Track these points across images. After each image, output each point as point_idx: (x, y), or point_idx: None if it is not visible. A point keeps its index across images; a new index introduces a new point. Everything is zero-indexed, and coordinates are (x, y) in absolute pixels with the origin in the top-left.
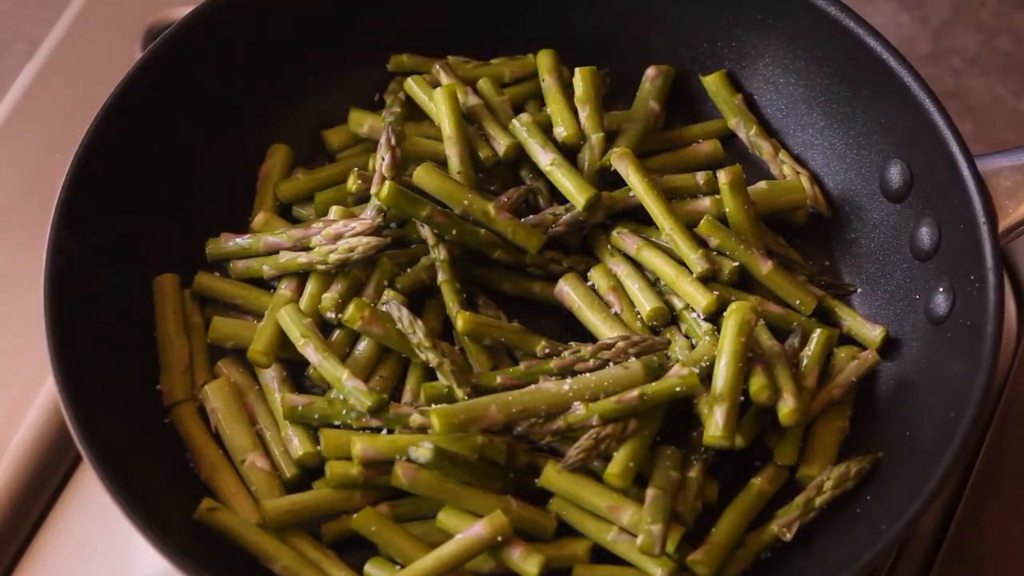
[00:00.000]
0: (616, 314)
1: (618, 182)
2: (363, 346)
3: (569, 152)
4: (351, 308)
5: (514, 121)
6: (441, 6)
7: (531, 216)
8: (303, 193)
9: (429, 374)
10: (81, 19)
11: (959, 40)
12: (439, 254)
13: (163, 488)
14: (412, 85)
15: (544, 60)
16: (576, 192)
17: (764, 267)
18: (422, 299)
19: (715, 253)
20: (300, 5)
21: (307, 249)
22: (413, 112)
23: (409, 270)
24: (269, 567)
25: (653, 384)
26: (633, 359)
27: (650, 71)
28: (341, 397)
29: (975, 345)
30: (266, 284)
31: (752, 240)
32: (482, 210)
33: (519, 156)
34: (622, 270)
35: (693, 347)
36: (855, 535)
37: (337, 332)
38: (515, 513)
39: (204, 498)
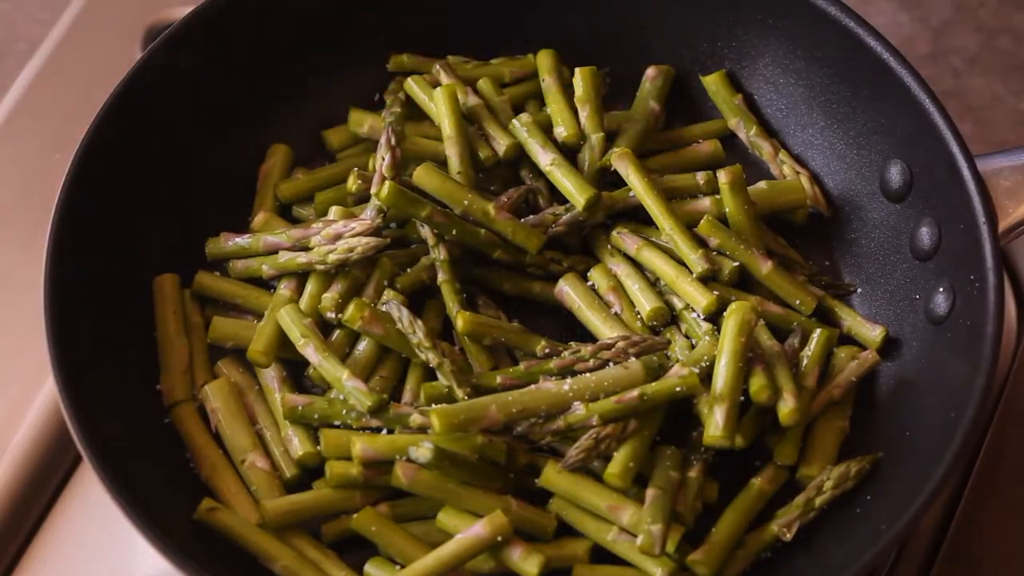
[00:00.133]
0: (616, 314)
1: (618, 182)
2: (363, 346)
3: (569, 152)
4: (351, 308)
5: (514, 121)
6: (441, 6)
7: (531, 216)
8: (303, 193)
9: (429, 374)
10: (81, 19)
11: (959, 40)
12: (439, 254)
13: (163, 488)
14: (412, 85)
15: (544, 60)
16: (576, 192)
17: (764, 267)
18: (422, 299)
19: (715, 253)
20: (300, 5)
21: (306, 249)
22: (413, 112)
23: (409, 270)
24: (269, 567)
25: (653, 384)
26: (633, 359)
27: (650, 71)
28: (341, 397)
29: (975, 345)
30: (266, 284)
31: (752, 240)
32: (482, 210)
33: (519, 156)
34: (622, 270)
35: (693, 347)
36: (855, 535)
37: (337, 332)
38: (515, 513)
39: (204, 498)
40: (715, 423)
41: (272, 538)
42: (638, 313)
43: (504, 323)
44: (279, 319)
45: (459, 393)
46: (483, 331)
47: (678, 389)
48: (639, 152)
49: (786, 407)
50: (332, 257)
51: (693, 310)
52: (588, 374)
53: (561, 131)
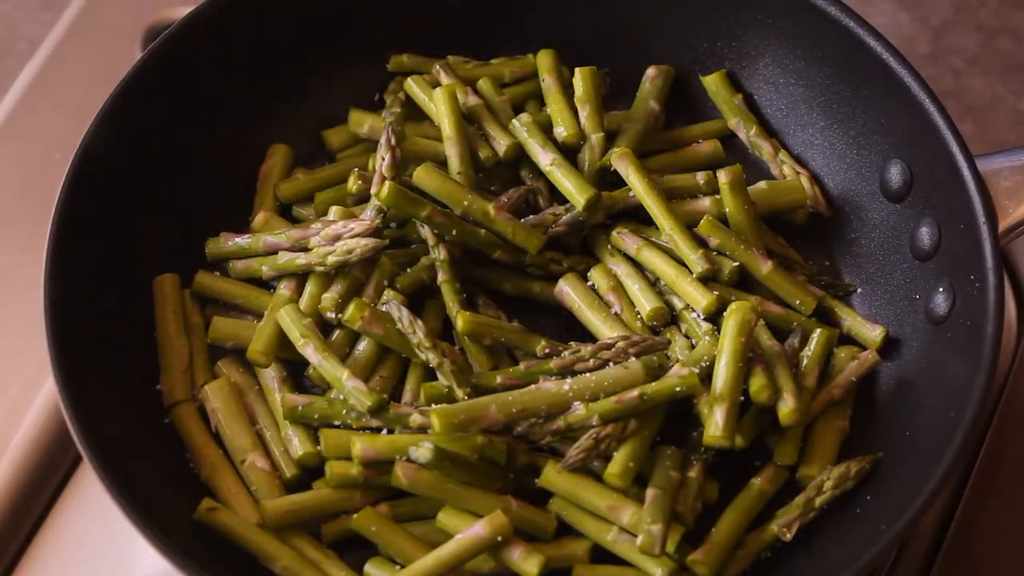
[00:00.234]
0: (616, 314)
1: (618, 182)
2: (363, 346)
3: (569, 152)
4: (351, 308)
5: (514, 121)
6: (441, 6)
7: (531, 216)
8: (303, 193)
9: (429, 374)
10: (81, 19)
11: (959, 40)
12: (439, 254)
13: (163, 488)
14: (412, 85)
15: (544, 60)
16: (576, 192)
17: (764, 267)
18: (422, 299)
19: (715, 253)
20: (300, 5)
21: (306, 250)
22: (413, 112)
23: (409, 270)
24: (269, 567)
25: (653, 384)
26: (633, 359)
27: (650, 71)
28: (341, 397)
29: (975, 345)
30: (266, 284)
31: (752, 240)
32: (482, 210)
33: (519, 156)
34: (622, 270)
35: (693, 347)
36: (855, 535)
37: (337, 332)
38: (515, 513)
39: (204, 498)
40: (715, 423)
41: (272, 538)
42: (638, 313)
43: (504, 323)
44: (279, 319)
45: (459, 393)
46: (483, 331)
47: (678, 389)
48: (639, 152)
49: (786, 407)
50: (331, 259)
51: (693, 310)
52: (588, 374)
53: (561, 131)
